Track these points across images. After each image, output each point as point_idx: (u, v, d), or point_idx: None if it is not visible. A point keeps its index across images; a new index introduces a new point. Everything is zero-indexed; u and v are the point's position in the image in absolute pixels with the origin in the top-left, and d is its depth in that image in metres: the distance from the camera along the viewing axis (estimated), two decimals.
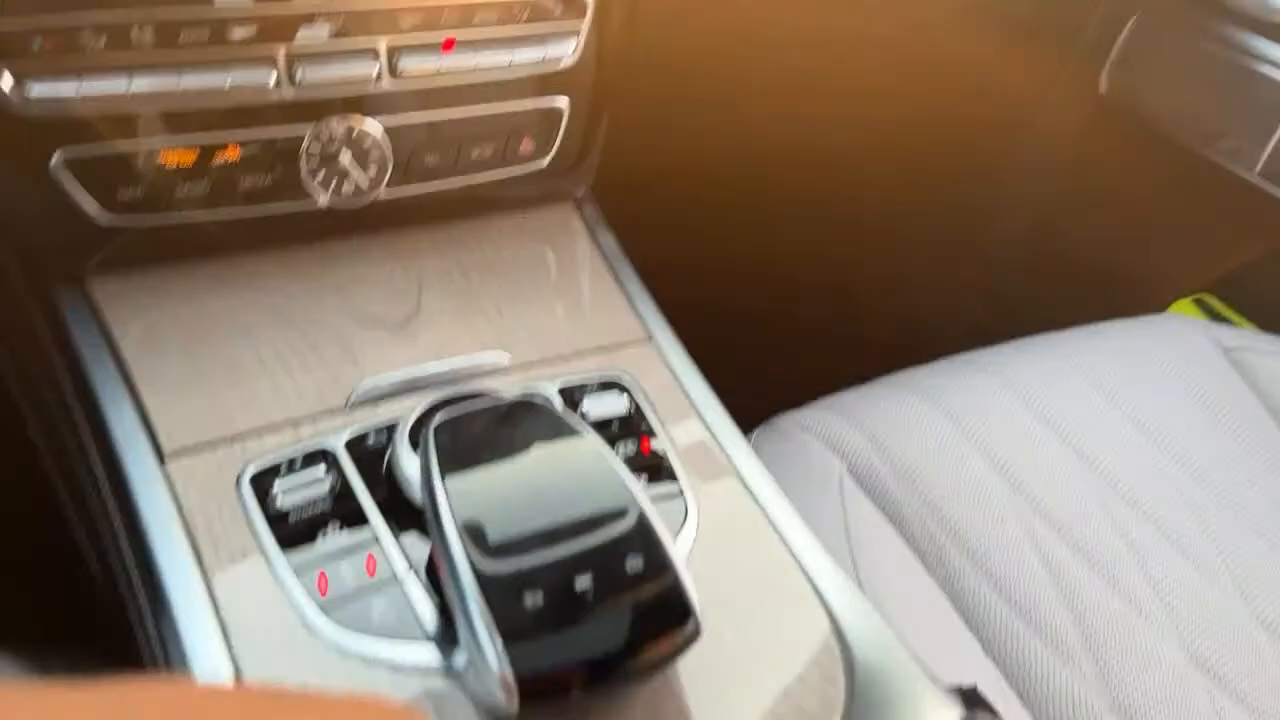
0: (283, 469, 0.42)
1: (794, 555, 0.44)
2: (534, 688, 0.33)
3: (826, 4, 0.86)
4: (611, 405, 0.48)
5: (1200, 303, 1.00)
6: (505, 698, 0.33)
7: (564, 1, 0.51)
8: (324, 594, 0.39)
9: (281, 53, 0.45)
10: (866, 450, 0.68)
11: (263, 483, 0.42)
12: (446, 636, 0.37)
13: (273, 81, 0.45)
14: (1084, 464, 0.69)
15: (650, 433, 0.48)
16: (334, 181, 0.50)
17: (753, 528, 0.45)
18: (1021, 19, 0.96)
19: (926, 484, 0.66)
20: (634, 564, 0.35)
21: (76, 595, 0.55)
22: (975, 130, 1.02)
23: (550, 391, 0.48)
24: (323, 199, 0.50)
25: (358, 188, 0.51)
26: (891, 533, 0.64)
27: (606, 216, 0.61)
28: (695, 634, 0.35)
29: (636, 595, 0.35)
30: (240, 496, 0.41)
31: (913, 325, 0.97)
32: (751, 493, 0.47)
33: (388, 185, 0.51)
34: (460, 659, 0.35)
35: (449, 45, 0.49)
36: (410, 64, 0.48)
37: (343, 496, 0.42)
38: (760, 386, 0.76)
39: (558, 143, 0.56)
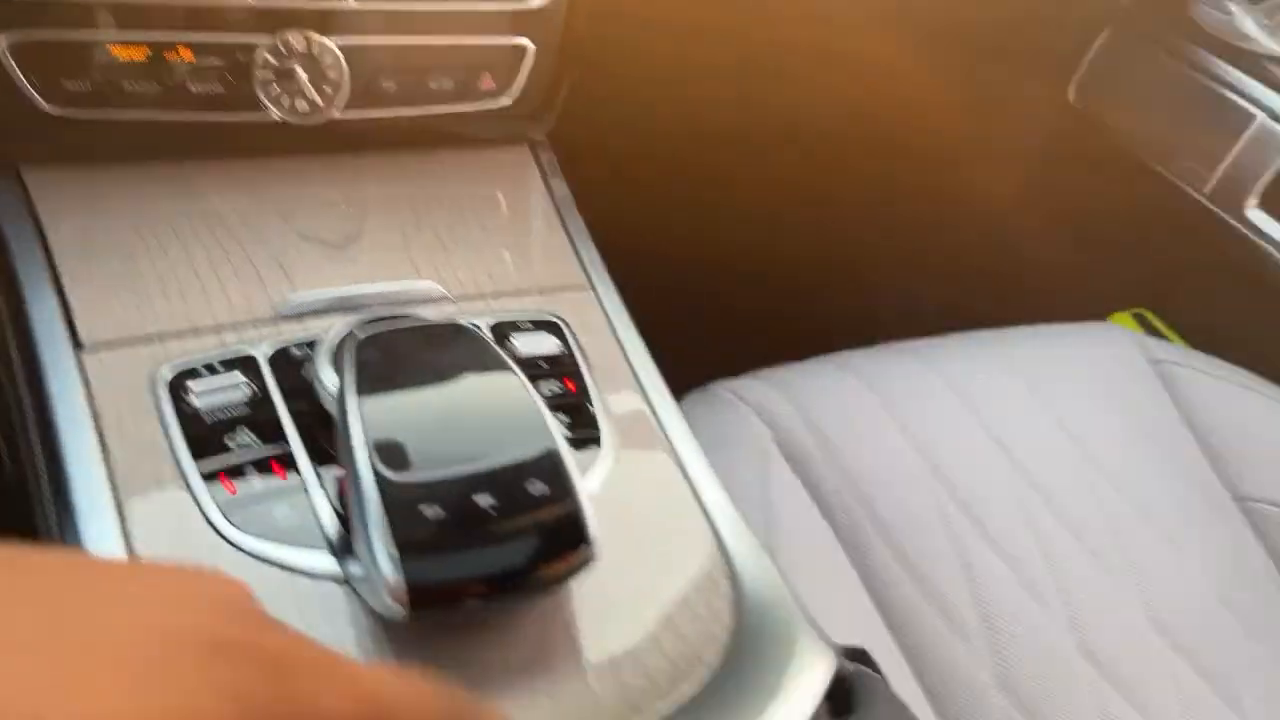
0: (201, 371, 0.42)
1: (701, 503, 0.45)
2: (424, 596, 0.33)
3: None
4: (542, 344, 0.49)
5: (1139, 317, 1.03)
6: (395, 604, 0.33)
7: None
8: (230, 493, 0.39)
9: None
10: (794, 421, 0.69)
11: (179, 383, 0.42)
12: (347, 547, 0.37)
13: None
14: (1004, 455, 0.71)
15: (577, 376, 0.48)
16: (289, 97, 0.50)
17: (665, 475, 0.46)
18: (995, 25, 0.97)
19: (849, 459, 0.67)
20: (536, 487, 0.36)
21: None
22: (941, 133, 1.04)
23: (481, 324, 0.48)
24: (276, 113, 0.50)
25: (313, 105, 0.50)
26: (809, 502, 0.65)
27: (564, 169, 0.62)
28: (589, 559, 0.36)
29: (535, 517, 0.36)
30: (154, 393, 0.41)
31: (862, 316, 0.98)
32: (670, 443, 0.48)
33: (344, 107, 0.51)
34: (357, 568, 0.36)
35: None
36: None
37: (259, 404, 0.42)
38: (703, 357, 0.77)
39: (520, 83, 0.56)
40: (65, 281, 0.44)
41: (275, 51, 0.49)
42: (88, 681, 0.17)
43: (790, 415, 0.70)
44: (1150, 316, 1.03)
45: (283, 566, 0.38)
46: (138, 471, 0.39)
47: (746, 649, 0.37)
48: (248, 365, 0.43)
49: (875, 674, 0.44)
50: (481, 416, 0.38)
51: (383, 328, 0.41)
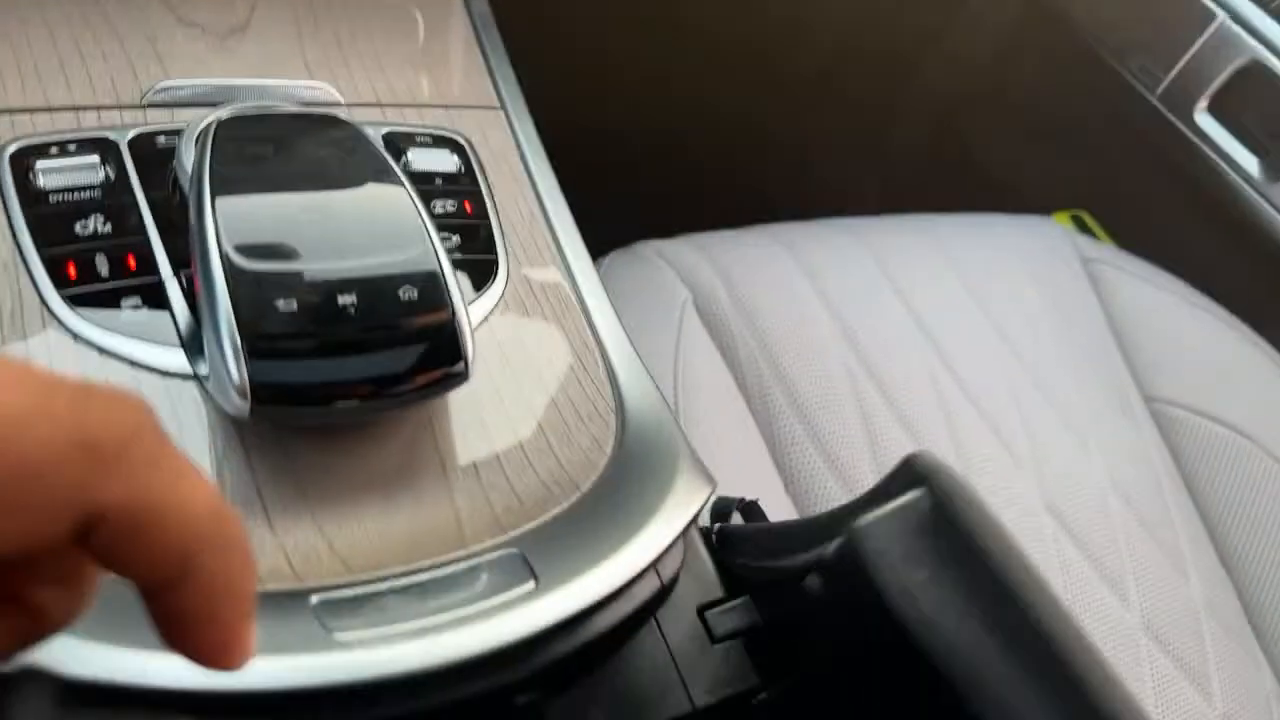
0: (52, 150, 0.38)
1: (598, 338, 0.43)
2: (268, 395, 0.31)
3: None
4: (440, 161, 0.46)
5: (1076, 218, 1.02)
6: (238, 401, 0.31)
7: None
8: (73, 283, 0.36)
9: None
10: (715, 285, 0.67)
11: (25, 159, 0.38)
12: (196, 345, 0.35)
13: None
14: (922, 334, 0.70)
15: (476, 198, 0.45)
16: None
17: (562, 308, 0.44)
18: None
19: (765, 325, 0.66)
20: (407, 293, 0.33)
21: None
22: (900, 13, 1.00)
23: (373, 134, 0.45)
24: None
25: None
26: (720, 365, 0.63)
27: (497, 19, 0.57)
28: (458, 375, 0.34)
29: (401, 323, 0.33)
30: None
31: (801, 194, 0.96)
32: (572, 276, 0.45)
33: None
34: (204, 366, 0.33)
35: None
36: None
37: (115, 190, 0.38)
38: (638, 221, 0.75)
39: None
40: None
41: None
42: None
43: (711, 278, 0.68)
44: (1088, 219, 1.02)
45: (130, 361, 0.35)
46: None
47: (623, 476, 0.35)
48: (106, 149, 0.39)
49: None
50: (355, 218, 0.35)
51: (251, 110, 0.37)
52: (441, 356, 0.34)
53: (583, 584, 0.29)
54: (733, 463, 0.58)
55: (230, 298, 0.31)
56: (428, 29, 0.52)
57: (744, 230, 0.76)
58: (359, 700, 0.26)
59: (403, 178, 0.37)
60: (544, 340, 0.42)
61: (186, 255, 0.37)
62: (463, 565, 0.30)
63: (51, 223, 0.36)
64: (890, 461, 0.62)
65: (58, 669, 0.24)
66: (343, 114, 0.46)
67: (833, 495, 0.59)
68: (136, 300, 0.36)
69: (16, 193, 0.37)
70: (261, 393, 0.31)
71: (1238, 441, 0.75)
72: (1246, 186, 0.88)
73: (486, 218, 0.45)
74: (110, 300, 0.36)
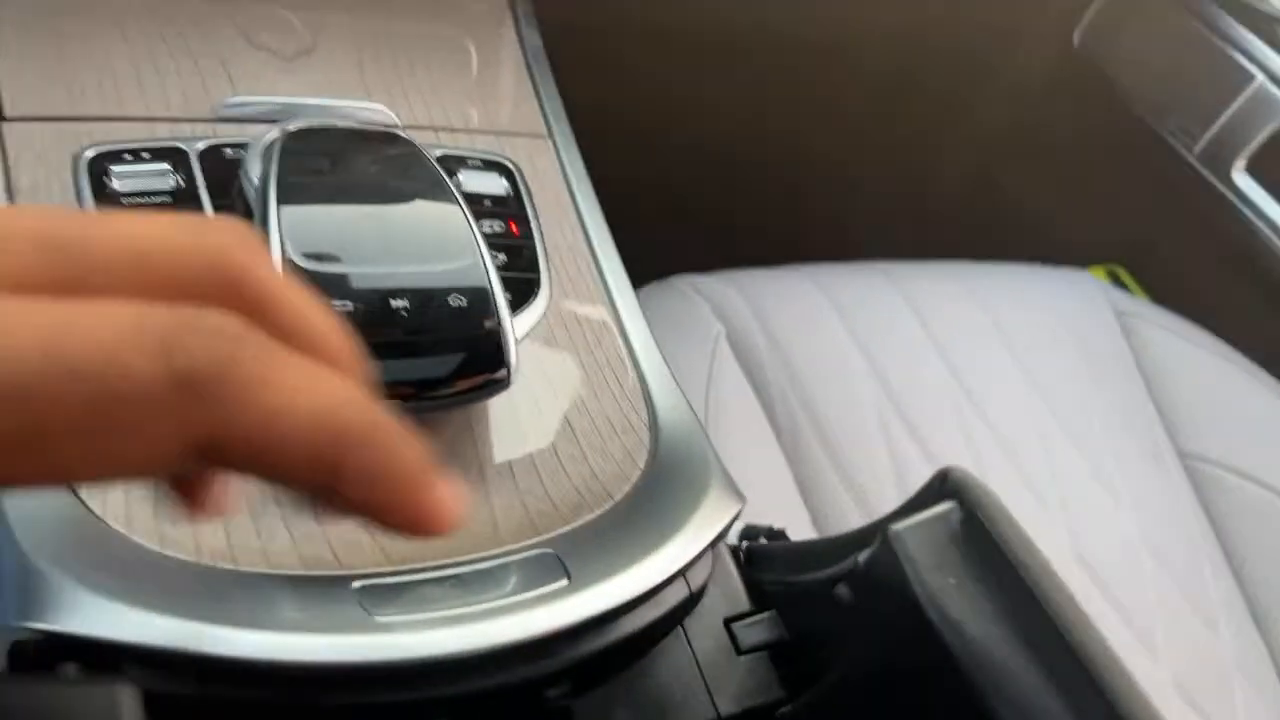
0: (126, 156, 0.40)
1: (634, 358, 0.44)
2: None
3: None
4: (490, 184, 0.47)
5: (1112, 273, 1.02)
6: None
7: None
8: None
9: None
10: (749, 321, 0.68)
11: (101, 164, 0.40)
12: None
13: None
14: (953, 377, 0.71)
15: (522, 220, 0.47)
16: None
17: (602, 329, 0.45)
18: None
19: (797, 362, 0.66)
20: (457, 302, 0.35)
21: None
22: (942, 61, 1.01)
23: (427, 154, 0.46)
24: None
25: None
26: (751, 398, 0.64)
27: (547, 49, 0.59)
28: (501, 382, 0.35)
29: (450, 328, 0.34)
30: (75, 171, 0.39)
31: (837, 234, 0.97)
32: (612, 301, 0.47)
33: None
34: None
35: None
36: None
37: (183, 197, 0.40)
38: (673, 254, 0.76)
39: None
40: None
41: None
42: None
43: (746, 315, 0.69)
44: (1123, 274, 1.02)
45: None
46: None
47: (655, 488, 0.36)
48: (176, 157, 0.41)
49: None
50: (411, 229, 0.37)
51: (314, 124, 0.39)
52: (485, 363, 0.35)
53: (614, 584, 0.30)
54: (762, 494, 0.59)
55: None
56: (481, 60, 0.55)
57: (779, 269, 0.77)
58: (396, 681, 0.26)
59: (456, 195, 0.38)
60: (582, 356, 0.43)
61: None
62: (498, 561, 0.31)
63: None
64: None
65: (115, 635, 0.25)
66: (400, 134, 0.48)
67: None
68: None
69: (93, 195, 0.39)
70: None
71: (1272, 500, 0.74)
72: None
73: (531, 239, 0.46)
74: None
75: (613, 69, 0.78)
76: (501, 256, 0.45)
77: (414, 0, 0.54)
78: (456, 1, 0.56)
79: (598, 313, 0.46)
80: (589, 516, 0.34)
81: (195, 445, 0.15)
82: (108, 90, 0.43)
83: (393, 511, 0.17)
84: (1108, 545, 0.69)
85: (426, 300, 0.34)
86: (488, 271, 0.36)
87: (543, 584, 0.30)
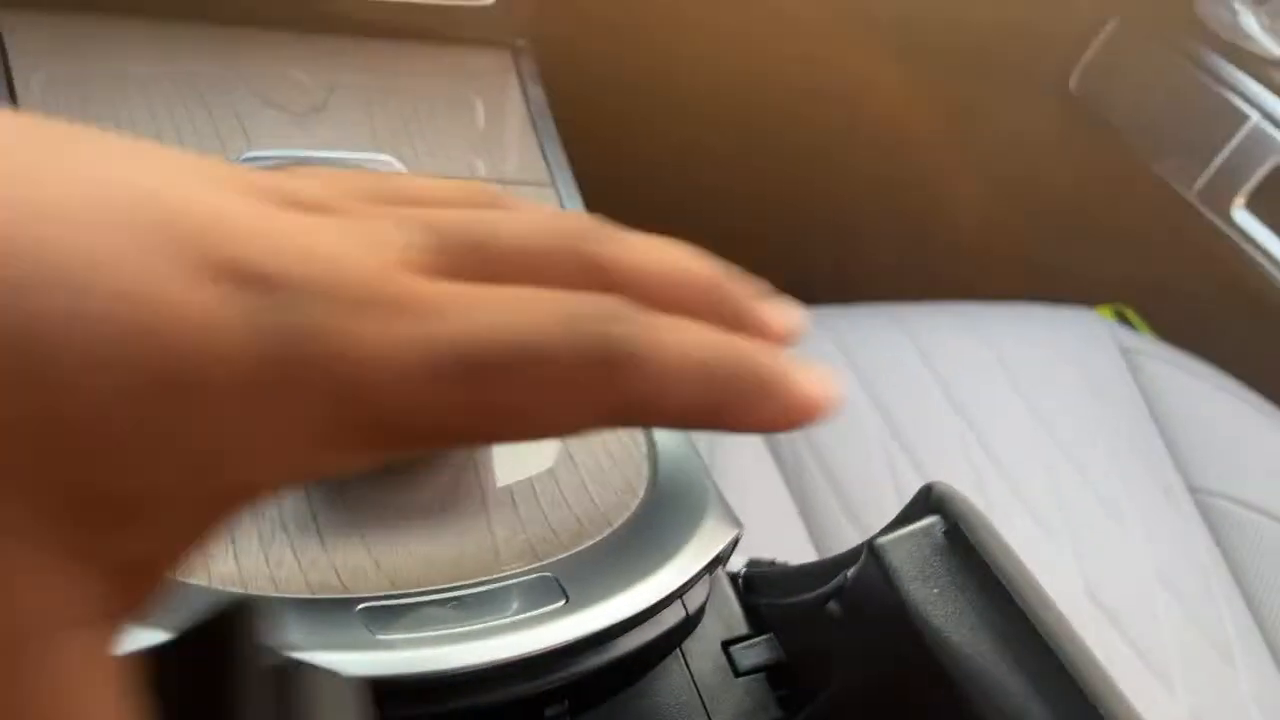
0: None
1: None
2: None
3: None
4: None
5: (1118, 312, 1.03)
6: None
7: None
8: None
9: None
10: None
11: None
12: None
13: None
14: (958, 413, 0.71)
15: None
16: None
17: None
18: (1005, 6, 0.97)
19: None
20: None
21: None
22: (939, 114, 1.04)
23: None
24: None
25: None
26: (761, 446, 0.65)
27: (548, 91, 0.62)
28: None
29: None
30: None
31: (840, 279, 0.98)
32: None
33: None
34: None
35: None
36: None
37: None
38: None
39: None
40: (20, 110, 0.44)
41: None
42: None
43: None
44: (1130, 314, 1.03)
45: None
46: None
47: (654, 515, 0.37)
48: None
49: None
50: None
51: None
52: None
53: (611, 604, 0.31)
54: (765, 526, 0.59)
55: None
56: (487, 114, 0.57)
57: None
58: (397, 697, 0.27)
59: None
60: None
61: None
62: (498, 584, 0.32)
63: None
64: None
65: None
66: None
67: None
68: None
69: None
70: None
71: None
72: None
73: None
74: None
75: (611, 121, 0.80)
76: None
77: (421, 59, 0.57)
78: (463, 60, 0.58)
79: None
80: (588, 542, 0.35)
81: (607, 411, 0.17)
82: None
83: (774, 425, 0.18)
84: (1120, 580, 0.69)
85: None
86: None
87: (541, 605, 0.31)
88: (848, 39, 0.93)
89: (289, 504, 0.35)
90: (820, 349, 0.72)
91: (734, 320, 0.19)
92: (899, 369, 0.74)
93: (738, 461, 0.63)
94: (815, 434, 0.66)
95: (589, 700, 0.31)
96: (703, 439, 0.64)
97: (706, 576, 0.35)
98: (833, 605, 0.30)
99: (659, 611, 0.32)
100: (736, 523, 0.38)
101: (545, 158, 0.55)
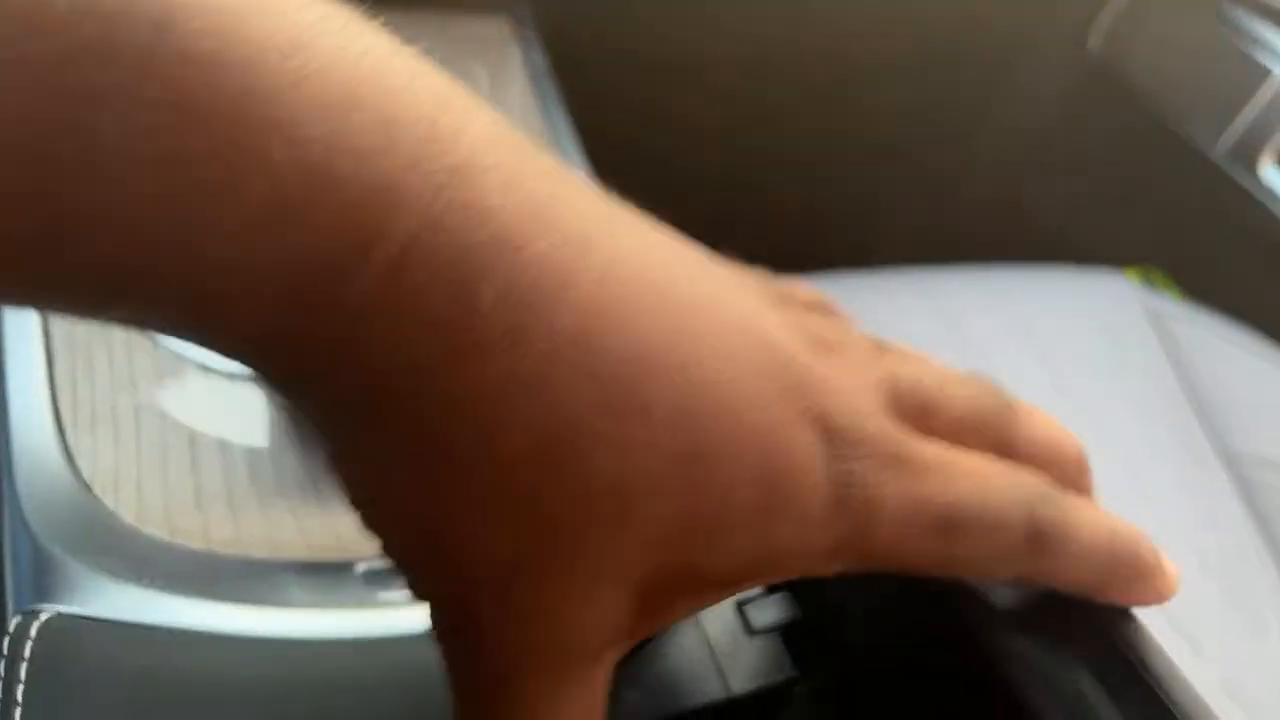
0: None
1: None
2: None
3: None
4: None
5: (1144, 274, 1.01)
6: None
7: None
8: None
9: None
10: None
11: None
12: None
13: None
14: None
15: None
16: None
17: None
18: None
19: None
20: None
21: None
22: (955, 80, 1.02)
23: None
24: None
25: None
26: None
27: (555, 66, 0.61)
28: None
29: None
30: None
31: (863, 246, 0.97)
32: None
33: None
34: None
35: None
36: None
37: None
38: None
39: None
40: None
41: None
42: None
43: None
44: (1157, 276, 1.01)
45: (202, 367, 0.37)
46: None
47: None
48: None
49: None
50: None
51: None
52: None
53: None
54: None
55: None
56: (489, 82, 0.56)
57: (808, 276, 0.76)
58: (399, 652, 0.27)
59: None
60: None
61: None
62: None
63: None
64: None
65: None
66: None
67: None
68: None
69: None
70: None
71: None
72: None
73: None
74: None
75: (615, 92, 0.79)
76: None
77: (421, 24, 0.56)
78: (463, 28, 0.57)
79: None
80: None
81: (1024, 571, 0.21)
82: None
83: (1140, 603, 0.24)
84: None
85: None
86: None
87: None
88: (847, 12, 0.91)
89: (289, 468, 0.34)
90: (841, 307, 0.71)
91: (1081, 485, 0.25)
92: (920, 334, 0.72)
93: None
94: None
95: None
96: None
97: None
98: None
99: None
100: None
101: (549, 126, 0.55)
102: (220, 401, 0.35)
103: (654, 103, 0.85)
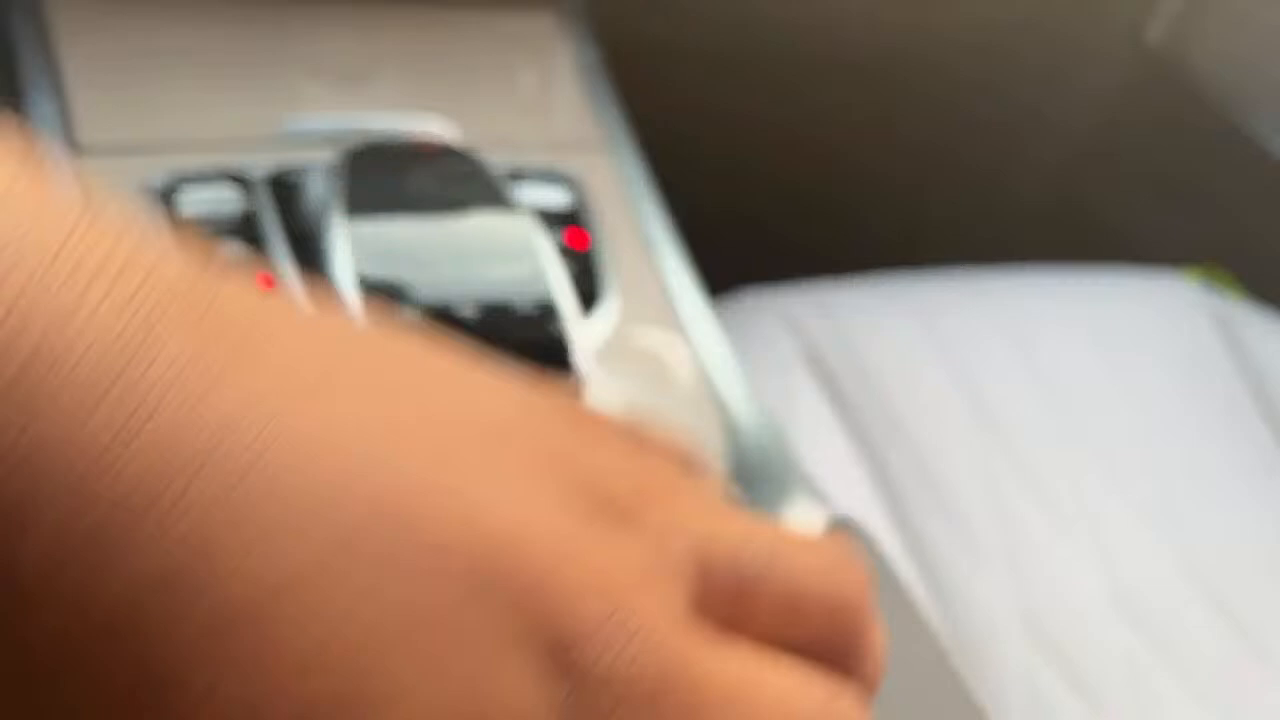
0: (195, 182, 0.41)
1: (708, 377, 0.42)
2: None
3: None
4: (550, 198, 0.47)
5: (1207, 275, 0.97)
6: None
7: None
8: None
9: None
10: (826, 337, 0.66)
11: (170, 191, 0.40)
12: None
13: None
14: (1051, 396, 0.67)
15: (585, 233, 0.46)
16: None
17: (669, 341, 0.44)
18: None
19: (881, 380, 0.64)
20: (524, 308, 0.34)
21: None
22: (1009, 77, 0.99)
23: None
24: None
25: None
26: (833, 421, 0.62)
27: (605, 54, 0.59)
28: (574, 388, 0.34)
29: (517, 339, 0.33)
30: (147, 200, 0.40)
31: (911, 242, 0.94)
32: (676, 311, 0.45)
33: None
34: None
35: None
36: None
37: (250, 221, 0.40)
38: (736, 270, 0.74)
39: None
40: (67, 82, 0.43)
41: None
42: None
43: (822, 330, 0.66)
44: (1218, 275, 0.97)
45: None
46: None
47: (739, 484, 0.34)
48: (242, 181, 0.41)
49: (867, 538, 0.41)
50: (474, 240, 0.36)
51: (374, 142, 0.38)
52: (554, 365, 0.34)
53: None
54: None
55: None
56: (539, 76, 0.55)
57: (855, 280, 0.74)
58: None
59: (520, 205, 0.38)
60: (650, 376, 0.42)
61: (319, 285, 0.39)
62: None
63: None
64: (1019, 529, 0.59)
65: None
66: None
67: (954, 558, 0.56)
68: None
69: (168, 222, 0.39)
70: None
71: None
72: None
73: (595, 253, 0.45)
74: None
75: (669, 87, 0.77)
76: (566, 272, 0.44)
77: (471, 21, 0.55)
78: (513, 21, 0.56)
79: (668, 334, 0.44)
80: None
81: None
82: (174, 116, 0.44)
83: None
84: (1226, 563, 0.64)
85: (492, 310, 0.33)
86: (554, 284, 0.35)
87: None
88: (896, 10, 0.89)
89: None
90: (898, 317, 0.69)
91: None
92: (983, 341, 0.70)
93: (813, 447, 0.60)
94: (896, 412, 0.62)
95: None
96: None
97: None
98: None
99: None
100: (824, 505, 0.35)
101: (601, 121, 0.53)
102: None
103: (707, 97, 0.83)
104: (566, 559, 0.14)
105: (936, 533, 0.57)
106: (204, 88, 0.46)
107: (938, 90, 0.96)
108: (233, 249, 0.39)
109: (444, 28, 0.54)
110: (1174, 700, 0.57)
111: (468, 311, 0.33)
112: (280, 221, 0.41)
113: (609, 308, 0.43)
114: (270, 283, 0.38)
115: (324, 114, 0.46)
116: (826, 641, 0.17)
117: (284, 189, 0.42)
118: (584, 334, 0.40)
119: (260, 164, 0.43)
